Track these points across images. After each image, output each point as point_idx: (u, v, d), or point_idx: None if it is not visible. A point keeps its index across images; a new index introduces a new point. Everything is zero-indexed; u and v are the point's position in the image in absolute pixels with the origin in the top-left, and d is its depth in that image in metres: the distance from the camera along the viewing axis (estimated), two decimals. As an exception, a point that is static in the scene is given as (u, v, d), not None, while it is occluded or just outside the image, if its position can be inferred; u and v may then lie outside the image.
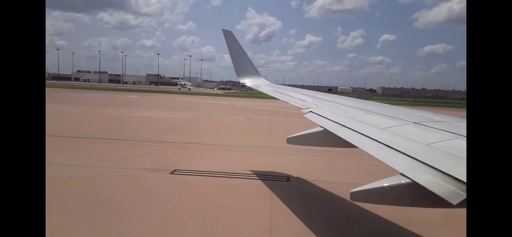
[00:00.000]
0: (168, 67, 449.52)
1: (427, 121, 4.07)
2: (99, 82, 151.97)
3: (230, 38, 10.48)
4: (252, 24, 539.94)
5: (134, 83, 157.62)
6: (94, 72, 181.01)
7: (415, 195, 2.74)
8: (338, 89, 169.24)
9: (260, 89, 9.66)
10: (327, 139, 5.00)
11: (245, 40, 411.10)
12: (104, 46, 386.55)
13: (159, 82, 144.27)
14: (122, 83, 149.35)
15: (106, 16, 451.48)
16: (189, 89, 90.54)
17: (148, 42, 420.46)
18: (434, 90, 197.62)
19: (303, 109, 6.41)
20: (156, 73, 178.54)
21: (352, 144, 3.93)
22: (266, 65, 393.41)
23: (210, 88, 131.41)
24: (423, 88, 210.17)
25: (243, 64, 10.70)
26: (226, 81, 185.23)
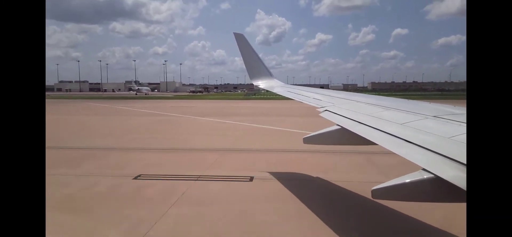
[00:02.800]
0: (180, 73, 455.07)
1: (446, 114, 4.04)
2: (80, 91, 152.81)
3: (241, 41, 10.50)
4: (262, 26, 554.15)
5: (113, 90, 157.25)
6: (75, 81, 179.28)
7: (439, 190, 2.69)
8: (330, 87, 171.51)
9: (274, 91, 9.66)
10: (344, 137, 5.01)
11: (255, 42, 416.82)
12: (117, 55, 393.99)
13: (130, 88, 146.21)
14: (102, 91, 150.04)
15: (118, 26, 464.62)
16: (146, 94, 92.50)
17: (159, 49, 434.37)
18: (422, 82, 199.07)
19: (318, 108, 6.40)
20: (134, 79, 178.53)
21: (371, 141, 3.90)
22: (278, 66, 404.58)
23: (187, 92, 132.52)
24: (414, 81, 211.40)
25: (255, 66, 10.72)
26: (209, 84, 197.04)
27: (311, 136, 5.83)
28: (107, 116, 30.62)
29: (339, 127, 5.07)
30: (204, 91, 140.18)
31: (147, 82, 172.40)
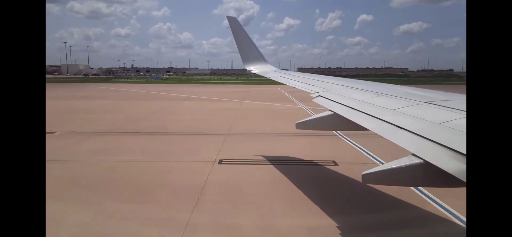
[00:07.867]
0: (144, 56, 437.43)
1: (437, 100, 4.07)
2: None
3: (234, 24, 10.19)
4: (229, 8, 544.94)
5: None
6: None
7: (428, 175, 2.75)
8: None
9: (268, 76, 9.50)
10: (337, 122, 5.06)
11: (222, 25, 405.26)
12: (76, 37, 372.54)
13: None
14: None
15: (77, 5, 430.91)
16: None
17: (122, 31, 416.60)
18: (345, 68, 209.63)
19: (311, 93, 6.37)
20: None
21: (363, 127, 3.96)
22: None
23: (88, 76, 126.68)
24: (338, 67, 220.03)
25: (249, 51, 10.48)
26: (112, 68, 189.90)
27: (304, 121, 5.83)
28: None
29: (332, 112, 5.11)
30: (99, 75, 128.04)
31: (98, 67, 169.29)
